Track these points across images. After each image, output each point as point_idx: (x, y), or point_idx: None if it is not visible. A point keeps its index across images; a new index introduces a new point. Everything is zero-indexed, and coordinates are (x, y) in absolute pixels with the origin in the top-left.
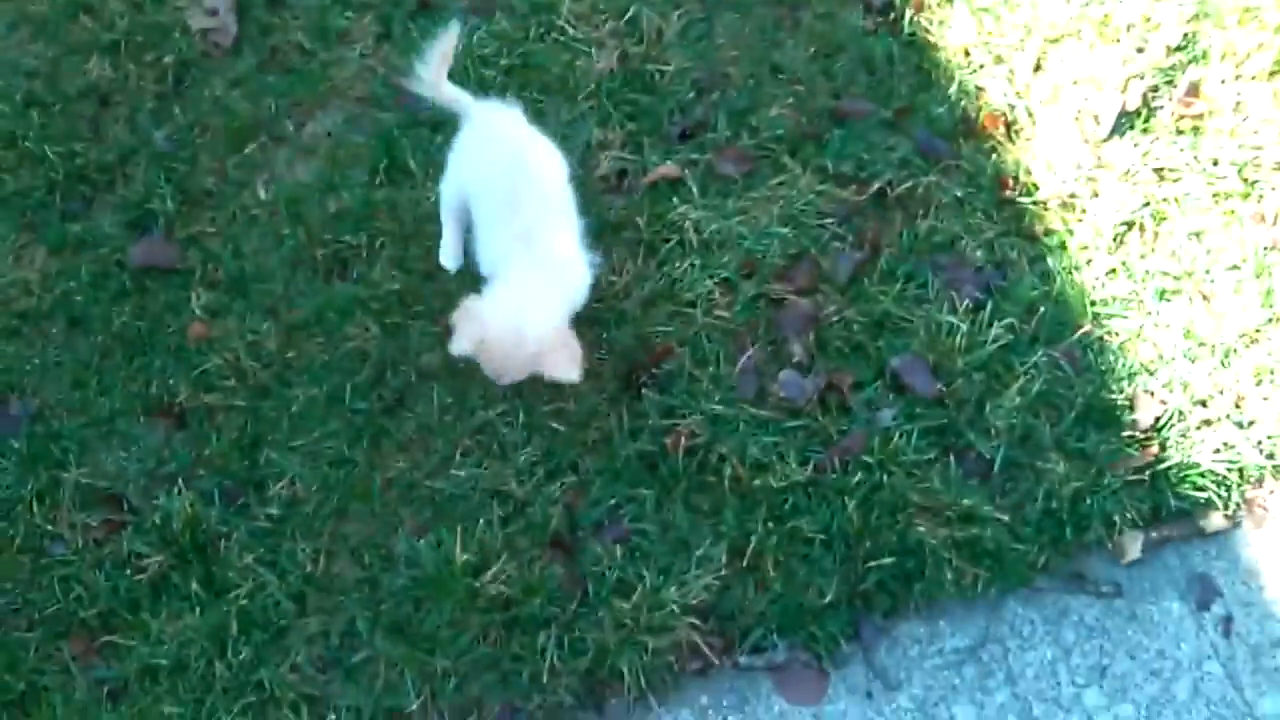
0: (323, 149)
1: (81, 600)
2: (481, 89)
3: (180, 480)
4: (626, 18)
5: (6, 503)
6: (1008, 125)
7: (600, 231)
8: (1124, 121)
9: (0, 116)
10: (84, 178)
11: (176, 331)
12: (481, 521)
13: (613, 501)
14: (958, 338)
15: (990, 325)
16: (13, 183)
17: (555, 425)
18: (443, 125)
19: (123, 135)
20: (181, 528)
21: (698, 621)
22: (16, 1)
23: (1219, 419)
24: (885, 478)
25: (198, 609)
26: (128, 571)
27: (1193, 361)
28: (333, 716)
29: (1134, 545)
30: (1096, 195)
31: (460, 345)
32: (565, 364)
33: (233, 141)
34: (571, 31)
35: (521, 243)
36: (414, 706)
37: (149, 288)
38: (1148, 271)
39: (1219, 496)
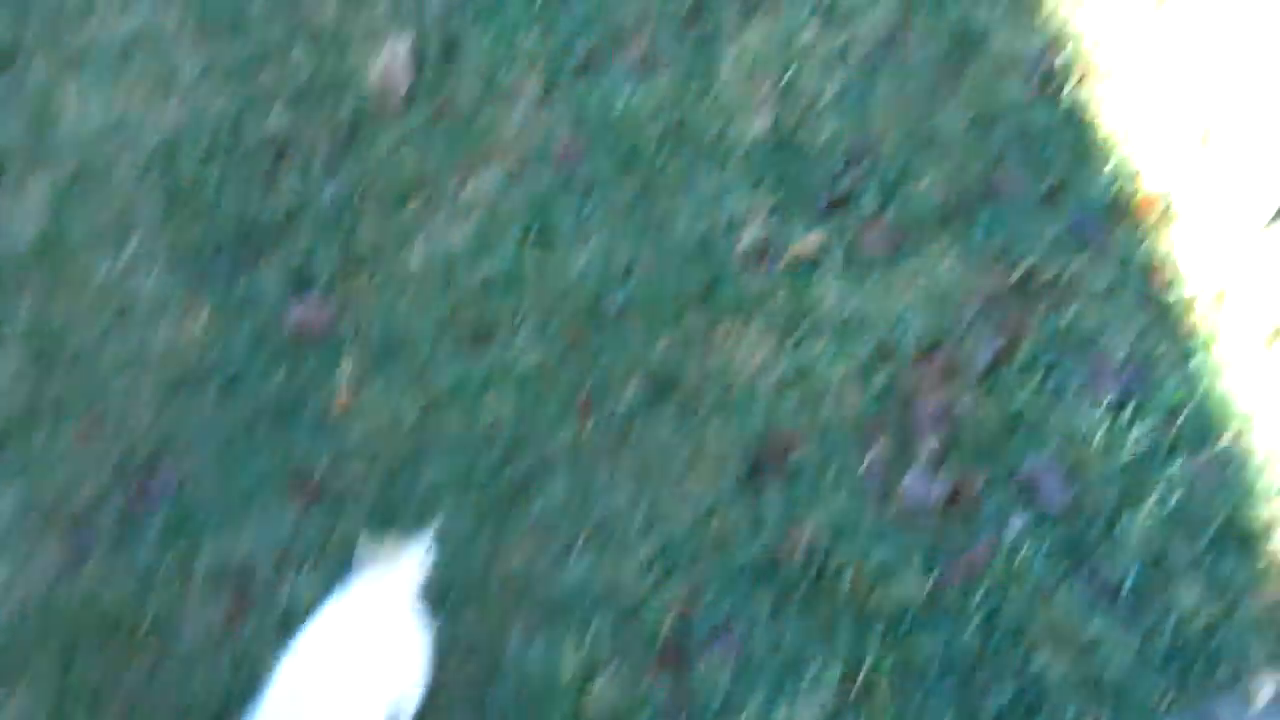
0: (479, 210)
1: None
2: (634, 153)
3: (308, 563)
4: (785, 79)
5: (145, 574)
6: (1163, 210)
7: (737, 306)
8: None
9: (181, 173)
10: (252, 235)
11: (322, 402)
12: (594, 625)
13: (727, 609)
14: (1094, 441)
15: (1130, 428)
16: (187, 237)
17: (676, 517)
18: (595, 186)
19: (294, 190)
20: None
21: None
22: (210, 48)
23: None
24: (1008, 596)
25: None
26: (243, 670)
27: None
28: None
29: (1267, 688)
30: (1252, 291)
31: None
32: None
33: (396, 200)
34: (729, 94)
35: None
36: None
37: (302, 352)
38: None
39: None
